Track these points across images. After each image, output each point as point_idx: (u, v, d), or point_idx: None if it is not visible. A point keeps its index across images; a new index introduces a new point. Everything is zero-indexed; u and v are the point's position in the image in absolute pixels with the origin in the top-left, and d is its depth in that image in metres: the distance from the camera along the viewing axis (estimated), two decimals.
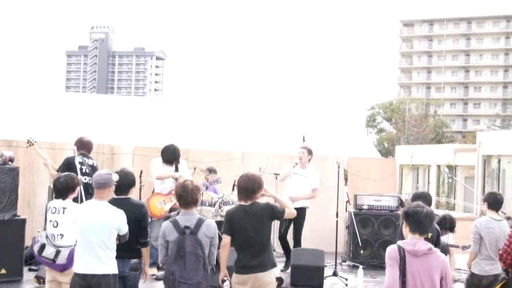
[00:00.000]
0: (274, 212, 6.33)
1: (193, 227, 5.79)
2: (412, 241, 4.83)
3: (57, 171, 8.52)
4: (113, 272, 6.12)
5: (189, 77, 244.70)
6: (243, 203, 6.29)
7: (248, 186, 6.26)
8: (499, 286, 5.91)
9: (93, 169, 8.73)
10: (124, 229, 6.16)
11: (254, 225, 6.23)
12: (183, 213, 5.96)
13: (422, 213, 4.88)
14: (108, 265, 6.09)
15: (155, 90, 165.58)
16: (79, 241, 6.14)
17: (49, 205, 6.78)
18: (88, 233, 6.08)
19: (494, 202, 7.76)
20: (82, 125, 15.51)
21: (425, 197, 7.72)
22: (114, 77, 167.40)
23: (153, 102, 27.14)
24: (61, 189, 6.72)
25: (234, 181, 11.08)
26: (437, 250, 4.88)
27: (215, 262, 5.97)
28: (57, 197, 6.78)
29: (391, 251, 4.81)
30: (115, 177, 6.48)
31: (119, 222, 6.12)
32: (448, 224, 9.11)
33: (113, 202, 6.52)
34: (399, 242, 4.89)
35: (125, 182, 6.67)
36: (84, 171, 8.53)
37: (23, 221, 8.59)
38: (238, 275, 6.29)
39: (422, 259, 4.76)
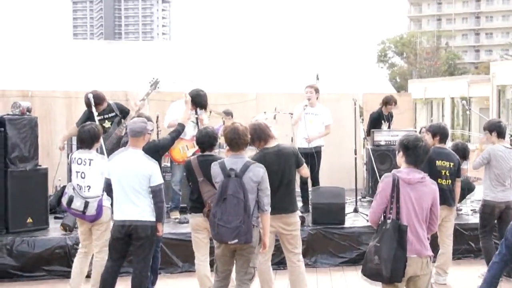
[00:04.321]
0: (298, 159, 6.56)
1: (238, 170, 5.65)
2: (406, 170, 5.14)
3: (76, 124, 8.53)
4: (150, 219, 6.22)
5: (197, 19, 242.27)
6: (267, 146, 6.40)
7: (262, 130, 6.37)
8: None
9: None
10: (156, 180, 6.21)
11: (284, 167, 6.38)
12: (231, 155, 5.84)
13: (421, 148, 5.13)
14: (144, 211, 6.19)
15: (163, 34, 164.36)
16: (116, 190, 6.23)
17: (74, 156, 6.80)
18: (122, 181, 6.17)
19: (502, 130, 7.87)
20: (94, 72, 15.51)
21: (443, 128, 7.74)
22: (121, 23, 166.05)
23: (163, 47, 27.00)
24: (86, 138, 6.75)
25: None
26: (429, 179, 5.19)
27: (266, 207, 5.75)
28: (81, 147, 6.80)
29: (386, 179, 5.14)
30: (150, 126, 6.53)
31: (150, 171, 6.19)
32: (460, 152, 9.14)
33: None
34: (395, 171, 5.18)
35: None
36: None
37: (45, 170, 8.66)
38: None
39: (415, 187, 5.08)
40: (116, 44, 31.63)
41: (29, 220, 8.37)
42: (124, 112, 8.86)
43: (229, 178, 5.64)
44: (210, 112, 10.65)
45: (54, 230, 8.40)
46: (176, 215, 9.14)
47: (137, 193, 6.16)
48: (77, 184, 6.70)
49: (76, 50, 19.16)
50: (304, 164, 6.69)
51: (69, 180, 6.85)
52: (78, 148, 6.92)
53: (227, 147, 5.99)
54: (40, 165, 8.67)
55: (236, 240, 5.58)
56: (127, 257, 6.53)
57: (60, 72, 15.58)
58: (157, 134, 10.63)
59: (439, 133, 7.68)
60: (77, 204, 6.61)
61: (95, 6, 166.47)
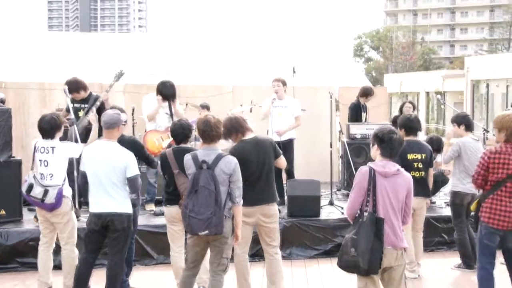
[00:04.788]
0: (275, 149, 6.62)
1: (210, 162, 5.68)
2: (382, 163, 5.18)
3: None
4: (126, 211, 6.22)
5: (174, 12, 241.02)
6: (245, 138, 6.42)
7: (238, 123, 6.42)
8: (474, 204, 6.13)
9: None
10: (133, 170, 6.18)
11: (264, 157, 6.43)
12: (204, 147, 5.88)
13: (395, 140, 5.18)
14: (120, 204, 6.18)
15: (139, 26, 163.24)
16: (91, 182, 6.20)
17: (37, 145, 6.73)
18: (98, 173, 6.13)
19: (470, 123, 8.00)
20: (70, 64, 15.35)
21: (407, 120, 7.75)
22: (96, 15, 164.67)
23: (139, 39, 26.82)
24: (47, 129, 6.69)
25: (227, 115, 11.10)
26: (403, 171, 5.25)
27: (238, 199, 5.81)
28: (44, 137, 6.74)
29: (362, 172, 5.17)
30: (124, 117, 6.52)
31: (126, 162, 6.16)
32: (435, 145, 9.23)
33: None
34: (370, 164, 5.22)
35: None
36: None
37: (19, 162, 8.59)
38: (245, 208, 6.37)
39: (390, 179, 5.13)
40: (92, 36, 31.38)
41: (2, 211, 8.34)
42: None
43: (201, 170, 5.67)
44: (187, 104, 10.67)
45: (28, 222, 8.36)
46: (151, 207, 9.13)
47: (113, 185, 6.14)
48: (40, 173, 6.64)
49: (51, 41, 18.95)
50: (282, 156, 6.75)
51: (32, 169, 6.78)
52: (42, 138, 6.84)
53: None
54: (13, 157, 8.61)
55: (206, 231, 5.62)
56: (102, 249, 6.52)
57: (34, 64, 15.42)
58: (133, 126, 10.60)
59: (403, 125, 7.69)
60: (36, 192, 6.56)
61: None
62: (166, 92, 9.15)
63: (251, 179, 6.30)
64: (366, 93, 11.41)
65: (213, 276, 5.94)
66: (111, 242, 6.27)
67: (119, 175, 6.15)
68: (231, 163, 5.77)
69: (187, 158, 5.84)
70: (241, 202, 5.87)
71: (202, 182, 5.62)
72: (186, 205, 5.69)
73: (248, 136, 6.46)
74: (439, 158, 10.01)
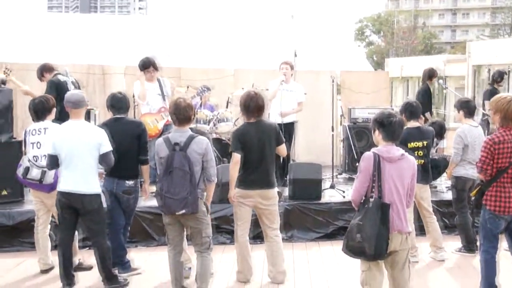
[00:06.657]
0: (278, 136, 6.65)
1: (183, 144, 5.77)
2: (386, 148, 5.13)
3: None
4: (96, 191, 6.22)
5: None
6: (252, 120, 6.49)
7: (258, 103, 6.48)
8: (475, 191, 6.09)
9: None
10: (106, 147, 6.19)
11: (264, 142, 6.47)
12: (175, 130, 5.96)
13: (396, 123, 5.15)
14: (91, 184, 6.17)
15: (140, 8, 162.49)
16: (64, 163, 6.16)
17: (29, 128, 6.80)
18: (72, 153, 6.10)
19: (471, 109, 7.90)
20: (70, 46, 15.33)
21: (407, 104, 7.67)
22: None
23: (140, 21, 26.72)
24: (37, 111, 6.75)
25: (228, 98, 11.07)
26: (408, 155, 5.19)
27: (213, 178, 5.93)
28: (34, 119, 6.80)
29: (367, 157, 5.10)
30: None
31: (100, 140, 6.17)
32: (437, 131, 9.15)
33: (113, 121, 6.66)
34: (374, 149, 5.16)
35: (127, 103, 6.94)
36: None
37: (20, 143, 8.54)
38: (243, 190, 6.46)
39: (395, 164, 5.08)
40: (92, 17, 31.28)
41: (4, 192, 8.34)
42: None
43: (174, 152, 5.75)
44: (188, 87, 10.65)
45: (29, 202, 8.33)
46: (152, 189, 9.13)
47: (87, 164, 6.14)
48: (33, 156, 6.67)
49: (51, 23, 18.90)
50: (284, 144, 6.77)
51: (25, 153, 6.79)
52: (33, 121, 6.90)
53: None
54: (15, 137, 8.60)
55: (184, 211, 5.73)
56: (77, 226, 6.51)
57: (35, 45, 15.37)
58: (134, 108, 10.56)
59: (404, 110, 7.57)
60: (34, 174, 6.60)
61: None
62: (140, 64, 9.29)
63: (250, 162, 6.38)
64: (431, 74, 11.21)
65: (199, 256, 6.04)
66: (87, 224, 6.32)
67: (94, 152, 6.16)
68: (203, 143, 5.85)
69: (159, 142, 5.94)
70: (216, 180, 5.99)
71: (176, 164, 5.71)
72: (161, 186, 5.77)
73: (262, 118, 6.54)
74: (441, 144, 9.96)
